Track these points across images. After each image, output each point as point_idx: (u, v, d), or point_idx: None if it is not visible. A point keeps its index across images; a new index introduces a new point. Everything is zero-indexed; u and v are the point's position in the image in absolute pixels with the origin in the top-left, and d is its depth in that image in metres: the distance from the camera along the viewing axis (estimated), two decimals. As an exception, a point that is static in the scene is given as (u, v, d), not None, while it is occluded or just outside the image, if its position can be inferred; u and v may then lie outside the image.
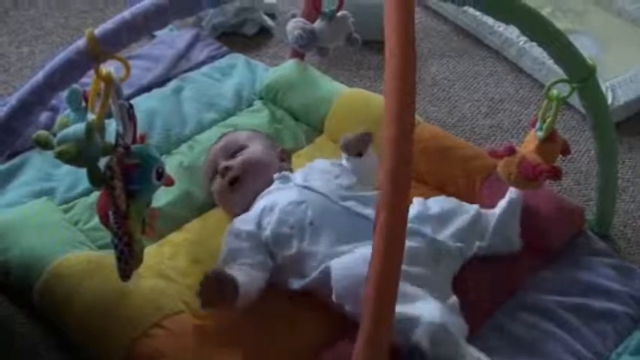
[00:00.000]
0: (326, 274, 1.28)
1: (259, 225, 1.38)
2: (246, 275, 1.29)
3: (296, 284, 1.34)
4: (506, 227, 1.47)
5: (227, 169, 1.49)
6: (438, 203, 1.47)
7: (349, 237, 1.33)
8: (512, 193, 1.51)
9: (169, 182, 1.22)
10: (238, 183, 1.48)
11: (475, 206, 1.49)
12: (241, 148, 1.54)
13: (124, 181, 1.10)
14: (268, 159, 1.53)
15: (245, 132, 1.62)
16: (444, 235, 1.40)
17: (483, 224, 1.46)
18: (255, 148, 1.53)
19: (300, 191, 1.41)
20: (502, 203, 1.50)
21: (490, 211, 1.50)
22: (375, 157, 1.50)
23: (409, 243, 1.19)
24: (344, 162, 1.53)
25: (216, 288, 1.22)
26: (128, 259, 1.12)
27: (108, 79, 1.06)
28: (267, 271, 1.35)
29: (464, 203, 1.50)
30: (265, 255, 1.36)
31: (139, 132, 1.15)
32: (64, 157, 1.07)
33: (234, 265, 1.32)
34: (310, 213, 1.36)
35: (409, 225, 1.25)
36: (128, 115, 1.10)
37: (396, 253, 0.90)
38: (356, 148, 1.50)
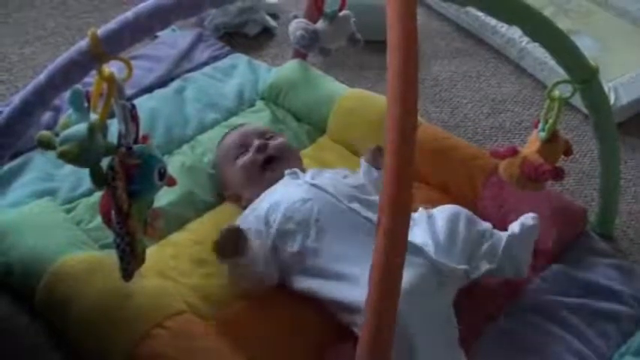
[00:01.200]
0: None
1: (267, 221, 1.39)
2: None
3: (304, 283, 1.34)
4: (515, 253, 1.41)
5: (265, 146, 1.52)
6: (445, 220, 1.41)
7: (352, 238, 1.33)
8: (527, 219, 1.45)
9: (172, 182, 1.22)
10: (273, 163, 1.52)
11: (487, 224, 1.45)
12: (275, 135, 1.59)
13: (125, 181, 1.10)
14: (297, 152, 1.60)
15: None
16: (450, 256, 1.34)
17: (494, 245, 1.41)
18: (286, 138, 1.60)
19: (308, 189, 1.41)
20: (515, 226, 1.45)
21: (502, 233, 1.44)
22: None
23: (410, 267, 1.20)
24: (362, 174, 1.55)
25: (232, 240, 1.29)
26: (130, 259, 1.12)
27: (110, 80, 1.06)
28: (275, 266, 1.37)
29: (475, 218, 1.45)
30: (273, 252, 1.37)
31: (141, 132, 1.15)
32: (66, 158, 1.07)
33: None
34: (316, 210, 1.37)
35: (410, 241, 1.27)
36: (130, 116, 1.10)
37: (397, 254, 0.89)
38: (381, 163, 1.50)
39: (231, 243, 1.29)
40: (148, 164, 1.13)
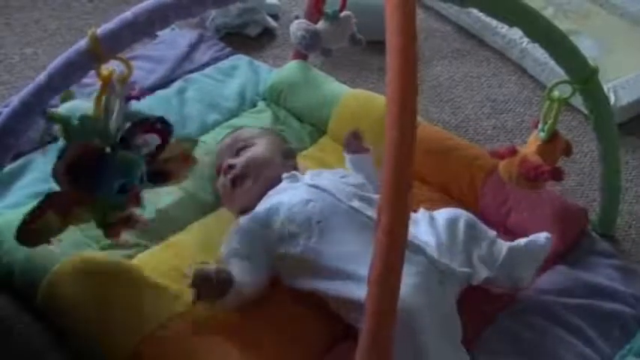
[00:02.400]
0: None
1: (267, 223, 1.38)
2: (245, 274, 1.30)
3: (309, 284, 1.34)
4: (515, 264, 1.39)
5: (230, 167, 1.50)
6: (445, 221, 1.41)
7: (356, 237, 1.33)
8: (538, 237, 1.42)
9: (134, 201, 1.21)
10: (240, 182, 1.49)
11: (492, 232, 1.43)
12: (246, 146, 1.55)
13: (95, 166, 1.12)
14: (272, 157, 1.54)
15: (253, 129, 1.64)
16: (451, 257, 1.34)
17: (494, 253, 1.40)
18: (260, 147, 1.54)
19: (308, 190, 1.41)
20: (522, 240, 1.42)
21: (506, 243, 1.42)
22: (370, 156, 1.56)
23: (412, 265, 1.19)
24: (352, 170, 1.55)
25: (210, 284, 1.21)
26: (31, 220, 1.15)
27: (108, 80, 1.06)
28: (268, 271, 1.36)
29: (478, 223, 1.44)
30: (268, 255, 1.37)
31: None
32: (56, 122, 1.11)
33: (235, 261, 1.33)
34: (318, 211, 1.36)
35: (411, 240, 1.25)
36: (157, 131, 1.11)
37: (396, 255, 0.89)
38: (355, 146, 1.55)
39: (211, 288, 1.22)
40: (121, 170, 1.13)
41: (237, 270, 1.29)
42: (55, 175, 1.13)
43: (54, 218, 1.17)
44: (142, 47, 2.04)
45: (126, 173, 1.14)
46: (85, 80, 1.12)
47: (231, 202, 1.53)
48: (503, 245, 1.41)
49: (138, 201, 1.22)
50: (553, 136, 1.42)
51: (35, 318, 1.35)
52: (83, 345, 1.27)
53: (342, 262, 1.30)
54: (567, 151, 1.46)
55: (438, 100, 2.11)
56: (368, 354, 0.90)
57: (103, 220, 1.20)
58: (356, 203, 1.38)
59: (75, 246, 1.39)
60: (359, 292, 1.20)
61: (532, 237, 1.43)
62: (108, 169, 1.12)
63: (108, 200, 1.18)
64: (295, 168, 1.56)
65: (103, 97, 1.08)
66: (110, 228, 1.21)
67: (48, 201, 1.15)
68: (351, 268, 1.28)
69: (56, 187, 1.57)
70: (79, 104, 1.12)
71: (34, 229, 1.15)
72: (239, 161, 1.51)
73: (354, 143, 1.56)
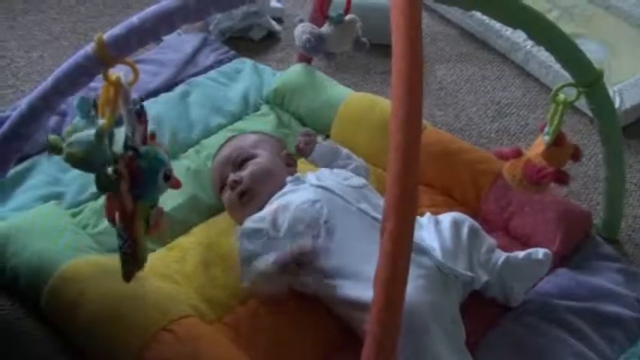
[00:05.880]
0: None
1: (274, 223, 1.38)
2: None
3: (314, 284, 1.34)
4: (510, 276, 1.40)
5: (236, 182, 1.49)
6: (450, 224, 1.41)
7: (363, 237, 1.33)
8: (536, 252, 1.42)
9: (176, 185, 1.22)
10: (247, 196, 1.48)
11: (492, 241, 1.44)
12: (248, 157, 1.53)
13: (130, 184, 1.10)
14: (276, 167, 1.53)
15: (252, 136, 1.63)
16: (456, 261, 1.35)
17: (493, 260, 1.40)
18: (263, 158, 1.53)
19: (315, 191, 1.42)
20: (520, 253, 1.42)
21: (504, 253, 1.42)
22: (327, 142, 1.60)
23: (417, 267, 1.19)
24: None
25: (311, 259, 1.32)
26: (131, 261, 1.13)
27: (117, 84, 1.06)
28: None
29: (481, 229, 1.44)
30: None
31: (149, 131, 1.16)
32: (72, 160, 1.08)
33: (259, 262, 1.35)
34: (325, 212, 1.37)
35: (417, 243, 1.25)
36: (138, 115, 1.11)
37: (402, 260, 0.89)
38: (308, 151, 1.57)
39: (307, 262, 1.31)
40: (153, 167, 1.13)
41: (264, 268, 1.32)
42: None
43: (143, 243, 1.18)
44: (146, 51, 2.04)
45: (159, 162, 1.14)
46: (93, 84, 1.12)
47: (239, 215, 1.51)
48: (502, 254, 1.41)
49: (178, 183, 1.23)
50: (559, 140, 1.41)
51: (40, 321, 1.35)
52: (87, 348, 1.27)
53: (350, 262, 1.31)
54: (576, 155, 1.45)
55: (442, 103, 2.11)
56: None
57: (147, 218, 1.20)
58: (363, 205, 1.39)
59: (79, 249, 1.40)
60: (367, 292, 1.21)
61: (531, 250, 1.43)
62: (148, 168, 1.12)
63: (154, 195, 1.18)
64: (296, 171, 1.57)
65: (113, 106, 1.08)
66: (152, 224, 1.22)
67: (127, 234, 1.15)
68: (359, 268, 1.28)
69: (59, 190, 1.59)
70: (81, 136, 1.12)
71: (138, 257, 1.16)
72: (244, 176, 1.49)
73: (302, 148, 1.58)
